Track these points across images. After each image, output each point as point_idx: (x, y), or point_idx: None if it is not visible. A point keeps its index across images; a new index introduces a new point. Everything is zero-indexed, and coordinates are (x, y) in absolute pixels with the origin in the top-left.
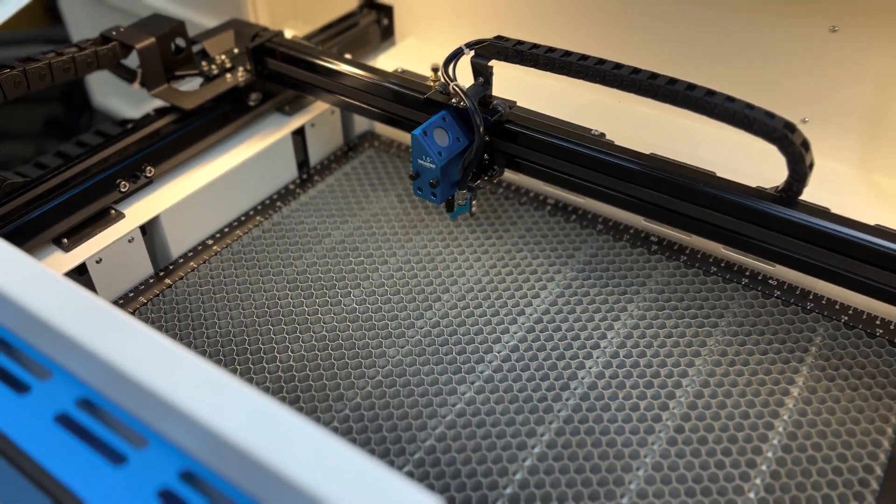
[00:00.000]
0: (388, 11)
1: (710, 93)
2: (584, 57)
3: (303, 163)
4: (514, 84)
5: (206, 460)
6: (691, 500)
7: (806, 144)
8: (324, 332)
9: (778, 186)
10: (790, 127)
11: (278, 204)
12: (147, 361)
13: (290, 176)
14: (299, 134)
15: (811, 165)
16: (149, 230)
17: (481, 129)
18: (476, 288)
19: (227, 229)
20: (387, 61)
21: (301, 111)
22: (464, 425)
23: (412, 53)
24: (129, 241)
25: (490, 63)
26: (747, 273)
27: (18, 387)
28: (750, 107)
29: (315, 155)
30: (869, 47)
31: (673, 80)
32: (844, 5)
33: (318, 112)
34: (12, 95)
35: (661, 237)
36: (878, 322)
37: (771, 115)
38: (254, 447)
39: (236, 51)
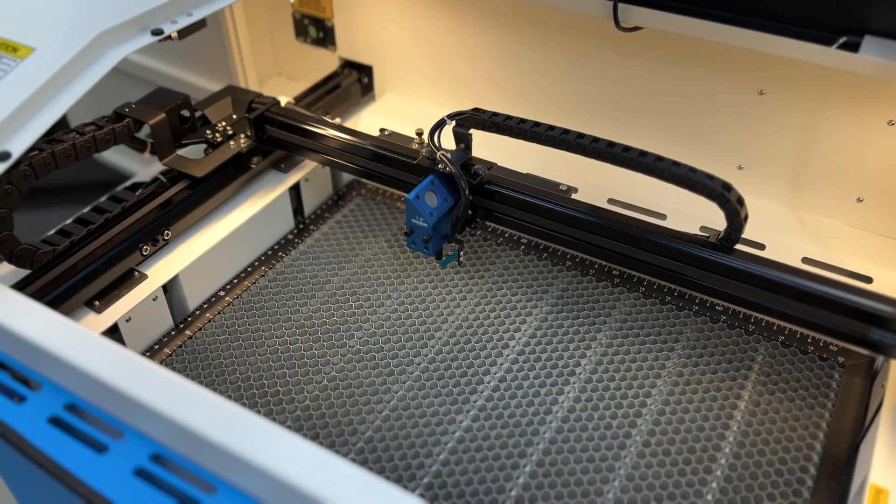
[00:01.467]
0: (367, 71)
1: (659, 158)
2: (551, 128)
3: (297, 210)
4: (495, 140)
5: (266, 499)
6: None
7: (741, 201)
8: (334, 373)
9: (719, 233)
10: (727, 187)
11: (280, 254)
12: (211, 419)
13: (288, 227)
14: (294, 188)
15: (745, 217)
16: (169, 288)
17: (466, 192)
18: (464, 325)
19: (236, 280)
20: (369, 117)
21: (295, 167)
22: (464, 451)
23: (392, 108)
24: (154, 300)
25: (469, 131)
26: (697, 301)
27: (98, 447)
28: (693, 170)
29: (309, 206)
30: (791, 107)
31: (627, 148)
32: (769, 73)
33: (310, 168)
34: (42, 175)
35: (623, 272)
36: (809, 340)
37: (711, 178)
38: (310, 487)
39: (234, 116)
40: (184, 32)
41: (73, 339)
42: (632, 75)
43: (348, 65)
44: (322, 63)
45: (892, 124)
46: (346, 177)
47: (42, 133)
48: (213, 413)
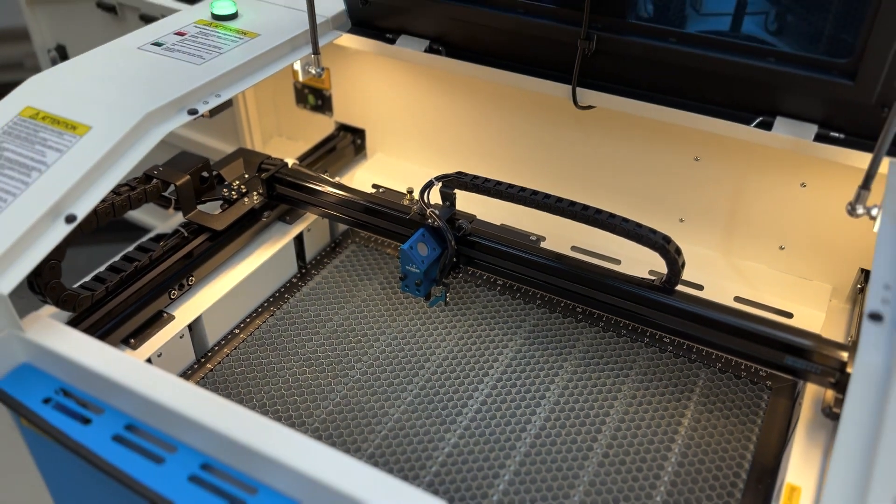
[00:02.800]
0: (360, 133)
1: (612, 216)
2: (522, 189)
3: (300, 256)
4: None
5: (301, 499)
6: None
7: (678, 251)
8: (338, 399)
9: (662, 277)
10: (667, 240)
11: (286, 295)
12: (251, 432)
13: (293, 272)
14: (298, 238)
15: (683, 265)
16: (193, 326)
17: (452, 243)
18: (450, 356)
19: (248, 319)
20: (362, 174)
21: (298, 220)
22: (452, 463)
23: (382, 166)
24: (181, 338)
25: (454, 191)
26: (647, 335)
27: (157, 459)
28: (639, 226)
29: (310, 253)
30: (722, 171)
31: (586, 207)
32: (704, 144)
33: (312, 220)
34: (87, 231)
35: (585, 310)
36: (742, 367)
37: (653, 232)
38: (341, 486)
39: (246, 176)
40: (214, 111)
41: (129, 370)
42: (590, 144)
43: (343, 128)
44: (319, 126)
45: (804, 186)
46: (342, 226)
47: (100, 199)
48: (253, 427)
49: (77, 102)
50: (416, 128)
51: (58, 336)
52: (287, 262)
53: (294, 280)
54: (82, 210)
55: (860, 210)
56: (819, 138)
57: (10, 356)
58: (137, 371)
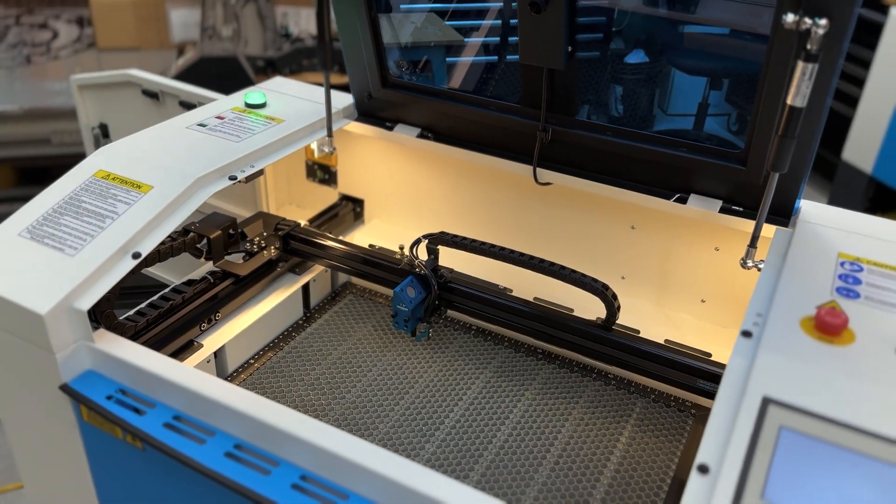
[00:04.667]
0: (360, 203)
1: (563, 267)
2: (493, 245)
3: (305, 302)
4: (455, 253)
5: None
6: None
7: (614, 296)
8: (336, 416)
9: (602, 318)
10: (605, 287)
11: (293, 334)
12: (343, 446)
13: (299, 315)
14: (305, 286)
15: (619, 308)
16: (218, 354)
17: (435, 287)
18: (430, 385)
19: (261, 351)
20: (360, 236)
21: (306, 271)
22: (430, 468)
23: (377, 230)
24: (207, 362)
25: (437, 247)
26: (595, 370)
27: (263, 472)
28: (584, 275)
29: (314, 300)
30: (653, 237)
31: (542, 260)
32: (638, 214)
33: (317, 272)
34: (138, 272)
35: (544, 350)
36: (671, 398)
37: (595, 280)
38: (423, 489)
39: (265, 234)
40: (249, 178)
41: (176, 371)
42: (549, 214)
43: (345, 198)
44: (325, 196)
45: (718, 250)
46: (342, 279)
47: (159, 241)
48: (342, 443)
49: (141, 167)
50: (408, 198)
51: (119, 346)
52: (295, 306)
53: (300, 321)
54: (145, 249)
55: (750, 263)
56: (724, 210)
57: (79, 362)
58: (183, 371)
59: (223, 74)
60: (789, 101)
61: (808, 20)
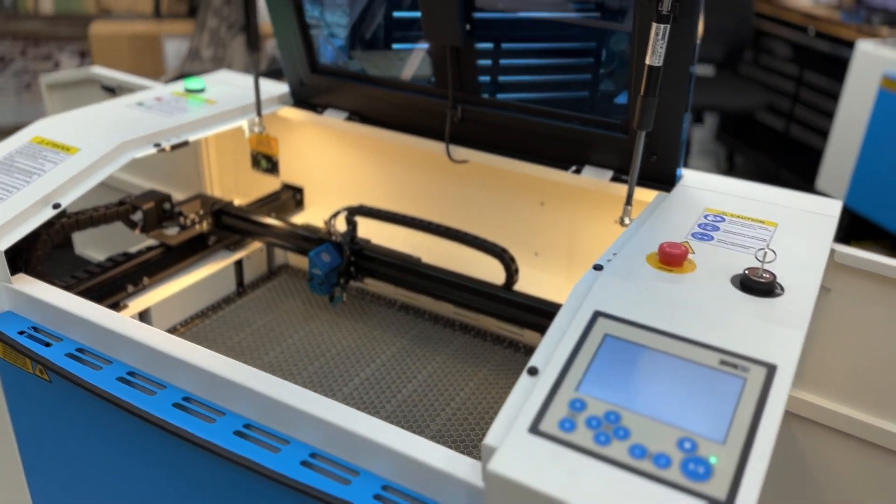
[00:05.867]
0: (300, 191)
1: (465, 234)
2: (405, 216)
3: (238, 281)
4: (378, 230)
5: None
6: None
7: (513, 259)
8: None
9: (505, 281)
10: (504, 250)
11: (223, 305)
12: (430, 457)
13: (231, 289)
14: (238, 263)
15: (516, 270)
16: (143, 317)
17: (348, 254)
18: (345, 350)
19: (189, 319)
20: (297, 220)
21: (240, 249)
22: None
23: (315, 215)
24: None
25: (355, 217)
26: (505, 340)
27: (343, 482)
28: (484, 240)
29: (248, 277)
30: (561, 212)
31: (449, 228)
32: (546, 191)
33: (252, 250)
34: (70, 233)
35: (456, 321)
36: None
37: (495, 245)
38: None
39: (201, 212)
40: (174, 147)
41: (88, 311)
42: (465, 190)
43: (287, 186)
44: (270, 186)
45: (616, 222)
46: (279, 260)
47: (79, 196)
48: (429, 453)
49: (74, 135)
50: (343, 182)
51: (35, 287)
52: (227, 281)
53: (231, 295)
54: (65, 201)
55: (627, 221)
56: (615, 179)
57: None
58: (88, 307)
59: None
60: (647, 60)
61: None
